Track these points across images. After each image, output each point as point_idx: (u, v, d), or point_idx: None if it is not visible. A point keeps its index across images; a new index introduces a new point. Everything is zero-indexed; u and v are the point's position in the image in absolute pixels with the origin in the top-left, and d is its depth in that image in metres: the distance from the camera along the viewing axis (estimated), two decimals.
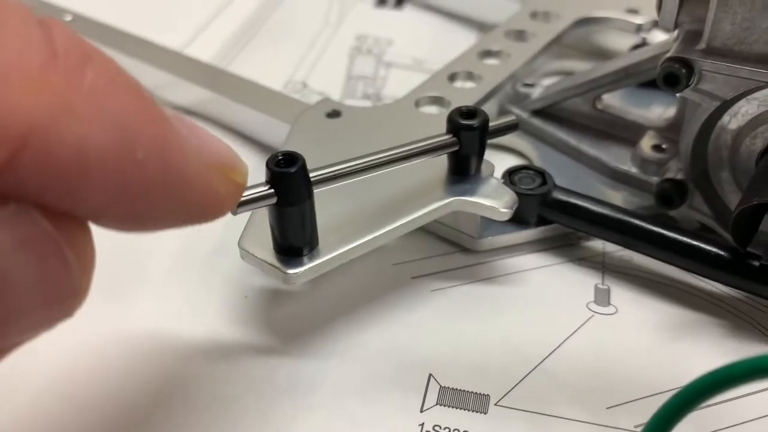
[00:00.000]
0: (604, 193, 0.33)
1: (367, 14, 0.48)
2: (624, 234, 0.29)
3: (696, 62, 0.27)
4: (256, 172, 0.35)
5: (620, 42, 0.42)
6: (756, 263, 0.27)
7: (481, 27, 0.47)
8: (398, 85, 0.41)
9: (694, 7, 0.29)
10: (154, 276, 0.30)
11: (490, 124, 0.28)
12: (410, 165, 0.27)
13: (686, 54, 0.28)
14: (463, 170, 0.29)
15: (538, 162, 0.35)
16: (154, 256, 0.31)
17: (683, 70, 0.28)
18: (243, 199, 0.24)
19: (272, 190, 0.24)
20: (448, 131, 0.28)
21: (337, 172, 0.25)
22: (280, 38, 0.46)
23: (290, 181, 0.24)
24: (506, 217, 0.28)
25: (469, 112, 0.28)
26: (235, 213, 0.24)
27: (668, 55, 0.28)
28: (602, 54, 0.42)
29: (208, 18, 0.47)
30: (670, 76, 0.28)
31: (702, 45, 0.28)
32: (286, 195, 0.24)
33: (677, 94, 0.28)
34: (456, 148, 0.28)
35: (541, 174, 0.31)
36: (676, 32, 0.30)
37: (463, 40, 0.45)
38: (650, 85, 0.35)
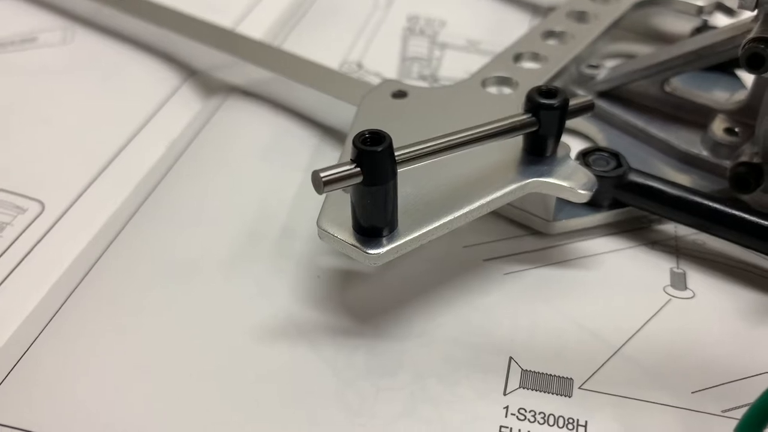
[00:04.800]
0: (672, 177, 0.32)
1: None
2: (703, 217, 0.28)
3: None
4: (318, 154, 0.35)
5: (678, 25, 0.41)
6: None
7: (534, 9, 0.46)
8: (454, 66, 0.41)
9: None
10: (222, 259, 0.30)
11: (569, 103, 0.28)
12: (483, 146, 0.27)
13: None
14: (540, 151, 0.28)
15: (603, 144, 0.34)
16: (220, 239, 0.30)
17: None
18: (330, 177, 0.23)
19: (358, 169, 0.24)
20: (527, 110, 0.27)
21: (420, 151, 0.25)
22: (330, 19, 0.45)
23: (377, 159, 0.24)
24: (585, 199, 0.28)
25: (549, 92, 0.27)
26: (321, 192, 0.24)
27: (752, 35, 0.27)
28: (660, 37, 0.42)
29: None
30: (754, 56, 0.27)
31: None
32: (372, 174, 0.24)
33: (761, 76, 0.28)
34: (535, 128, 0.27)
35: (616, 156, 0.30)
36: (755, 12, 0.29)
37: (517, 21, 0.45)
38: (714, 68, 0.35)
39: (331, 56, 0.41)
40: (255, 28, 0.44)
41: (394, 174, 0.24)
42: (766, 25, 0.28)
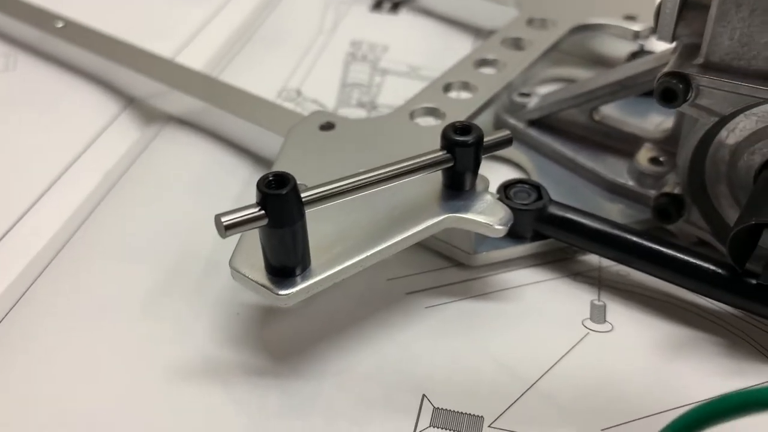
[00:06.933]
0: (600, 206, 0.33)
1: (362, 19, 0.48)
2: (620, 250, 0.29)
3: (693, 77, 0.27)
4: (249, 185, 0.35)
5: (618, 48, 0.42)
6: (753, 281, 0.27)
7: (477, 32, 0.46)
8: (393, 92, 0.41)
9: (693, 20, 0.28)
10: (145, 294, 0.30)
11: (485, 139, 0.28)
12: (406, 180, 0.27)
13: (684, 69, 0.27)
14: (458, 186, 0.28)
15: (534, 173, 0.35)
16: (145, 273, 0.30)
17: (680, 86, 0.27)
18: (232, 221, 0.23)
19: (263, 212, 0.24)
20: (443, 147, 0.28)
21: (329, 192, 0.25)
22: (273, 45, 0.45)
23: (281, 202, 0.24)
24: (501, 234, 0.28)
25: (464, 128, 0.27)
26: (224, 236, 0.24)
27: (665, 70, 0.28)
28: (599, 60, 0.42)
29: (201, 24, 0.47)
30: (667, 91, 0.27)
31: (700, 60, 0.27)
32: (277, 217, 0.24)
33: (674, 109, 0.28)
34: (450, 165, 0.28)
35: (537, 188, 0.30)
36: (674, 44, 0.29)
37: (459, 45, 0.45)
38: (648, 93, 0.35)
39: (271, 82, 0.41)
40: (200, 52, 0.44)
41: (302, 215, 0.24)
42: (681, 59, 0.28)
